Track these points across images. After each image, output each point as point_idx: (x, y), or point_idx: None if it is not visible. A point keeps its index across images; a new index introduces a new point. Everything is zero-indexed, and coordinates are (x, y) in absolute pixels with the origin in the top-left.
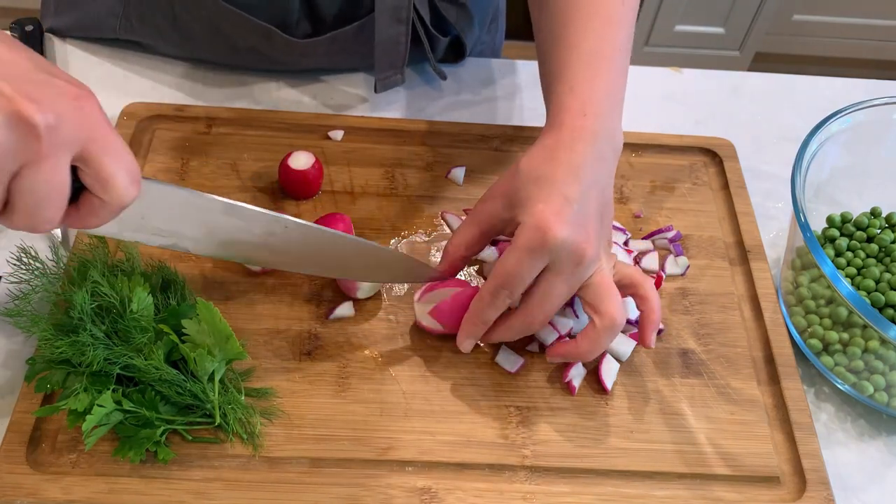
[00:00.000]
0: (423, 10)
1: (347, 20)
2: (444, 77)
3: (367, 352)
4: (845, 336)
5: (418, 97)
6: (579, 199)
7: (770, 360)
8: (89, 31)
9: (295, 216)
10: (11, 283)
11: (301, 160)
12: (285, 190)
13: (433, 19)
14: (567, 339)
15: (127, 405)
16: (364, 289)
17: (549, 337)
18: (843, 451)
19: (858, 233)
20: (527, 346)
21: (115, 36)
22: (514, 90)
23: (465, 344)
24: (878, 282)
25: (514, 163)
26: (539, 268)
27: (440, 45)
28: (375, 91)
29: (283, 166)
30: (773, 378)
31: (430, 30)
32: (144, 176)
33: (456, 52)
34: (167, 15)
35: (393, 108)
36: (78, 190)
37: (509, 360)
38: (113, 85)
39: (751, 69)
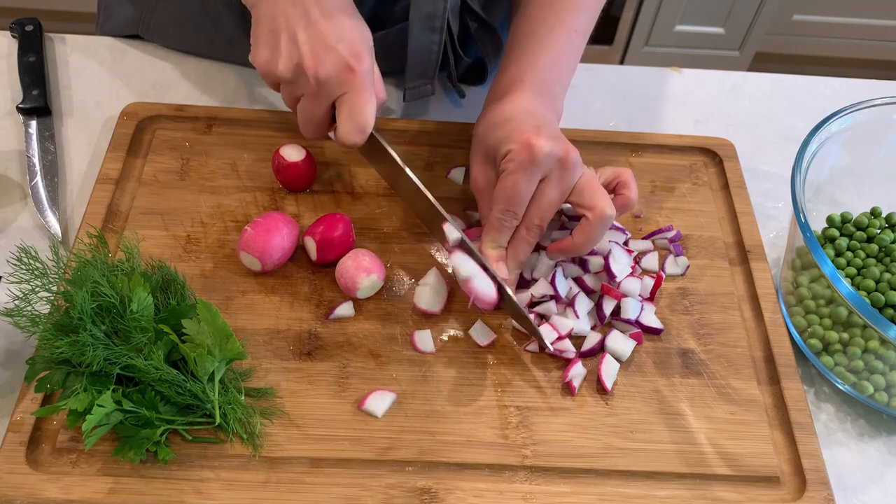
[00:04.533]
0: (454, 25)
1: (374, 29)
2: (462, 95)
3: (367, 352)
4: (845, 336)
5: (434, 114)
6: (543, 123)
7: (770, 360)
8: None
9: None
10: (11, 283)
11: (293, 152)
12: (281, 180)
13: (460, 37)
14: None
15: (127, 405)
16: (364, 289)
17: (549, 337)
18: (843, 451)
19: (858, 233)
20: (527, 346)
21: (136, 32)
22: None
23: (502, 270)
24: (878, 282)
25: (473, 136)
26: (535, 183)
27: (462, 64)
28: (404, 100)
29: (277, 157)
30: (773, 378)
31: (455, 46)
32: None
33: (476, 75)
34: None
35: (395, 110)
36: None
37: (482, 334)
38: (113, 85)
39: (751, 69)
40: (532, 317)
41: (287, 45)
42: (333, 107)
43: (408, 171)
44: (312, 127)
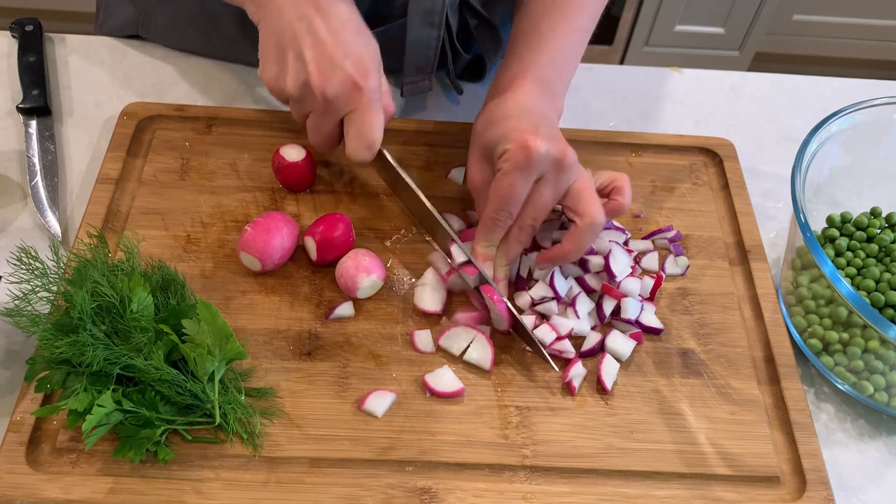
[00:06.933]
0: (452, 21)
1: (373, 25)
2: (460, 91)
3: (367, 352)
4: (845, 336)
5: (432, 111)
6: (541, 122)
7: (770, 360)
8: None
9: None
10: (11, 283)
11: (293, 152)
12: (281, 180)
13: (460, 33)
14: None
15: (127, 405)
16: (364, 289)
17: (548, 337)
18: (843, 451)
19: (858, 233)
20: (527, 346)
21: (136, 32)
22: None
23: (489, 268)
24: (878, 282)
25: (471, 133)
26: (530, 183)
27: (461, 60)
28: (402, 95)
29: (277, 157)
30: (773, 378)
31: (454, 42)
32: None
33: (475, 72)
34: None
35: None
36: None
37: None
38: (113, 85)
39: (751, 69)
40: (534, 332)
41: (294, 62)
42: (343, 122)
43: (419, 193)
44: (322, 142)
